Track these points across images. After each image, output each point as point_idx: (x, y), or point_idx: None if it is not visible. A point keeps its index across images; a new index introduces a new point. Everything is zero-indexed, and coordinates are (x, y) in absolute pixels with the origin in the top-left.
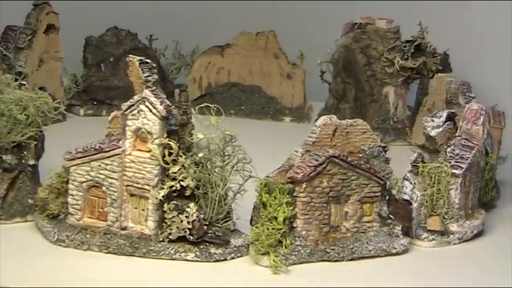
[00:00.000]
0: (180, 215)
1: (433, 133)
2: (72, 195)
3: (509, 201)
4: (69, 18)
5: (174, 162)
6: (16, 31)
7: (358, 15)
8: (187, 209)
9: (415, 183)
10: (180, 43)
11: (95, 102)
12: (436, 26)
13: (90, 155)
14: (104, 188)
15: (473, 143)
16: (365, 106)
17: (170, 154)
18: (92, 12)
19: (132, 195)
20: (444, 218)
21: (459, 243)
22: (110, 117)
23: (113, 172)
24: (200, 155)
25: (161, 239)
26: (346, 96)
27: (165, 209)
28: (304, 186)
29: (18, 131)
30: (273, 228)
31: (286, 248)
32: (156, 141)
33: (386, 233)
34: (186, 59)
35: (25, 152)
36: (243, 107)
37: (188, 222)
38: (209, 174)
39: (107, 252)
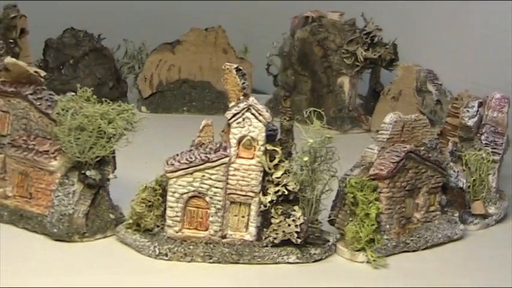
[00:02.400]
0: (287, 219)
1: (470, 123)
2: (171, 207)
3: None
4: None
5: (276, 167)
6: None
7: (299, 9)
8: (293, 213)
9: (458, 171)
10: (128, 42)
11: None
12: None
13: (195, 166)
14: (207, 198)
15: (501, 130)
16: (322, 97)
17: (272, 160)
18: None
19: (232, 202)
20: (484, 201)
21: (494, 224)
22: (201, 126)
23: (218, 181)
24: (305, 158)
25: (265, 244)
26: (298, 87)
27: (272, 214)
28: (387, 182)
29: (102, 145)
30: (368, 225)
31: (378, 243)
32: (262, 147)
33: (446, 220)
34: (138, 58)
35: (106, 167)
36: (194, 103)
37: (296, 226)
38: (310, 177)
39: (211, 262)
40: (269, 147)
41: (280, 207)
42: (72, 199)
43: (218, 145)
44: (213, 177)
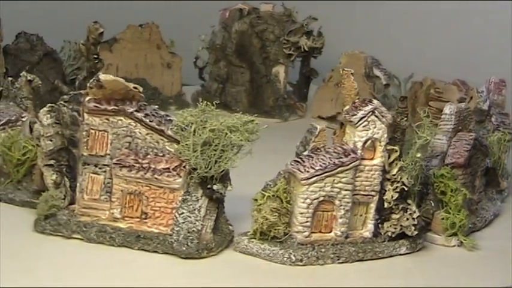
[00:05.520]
0: (405, 214)
1: (485, 106)
2: (302, 213)
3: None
4: None
5: (391, 165)
6: None
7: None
8: (409, 207)
9: None
10: (71, 43)
11: None
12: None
13: (330, 171)
14: (336, 201)
15: (503, 111)
16: (261, 87)
17: (388, 158)
18: None
19: (353, 203)
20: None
21: (506, 196)
22: (317, 131)
23: (348, 184)
24: (418, 155)
25: (383, 239)
26: (232, 79)
27: (393, 209)
28: (462, 169)
29: (227, 158)
30: (461, 211)
31: (464, 226)
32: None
33: (488, 199)
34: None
35: (225, 179)
36: None
37: (413, 219)
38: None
39: (340, 262)
40: (388, 146)
41: (399, 202)
42: (199, 215)
43: (342, 149)
44: (343, 180)
